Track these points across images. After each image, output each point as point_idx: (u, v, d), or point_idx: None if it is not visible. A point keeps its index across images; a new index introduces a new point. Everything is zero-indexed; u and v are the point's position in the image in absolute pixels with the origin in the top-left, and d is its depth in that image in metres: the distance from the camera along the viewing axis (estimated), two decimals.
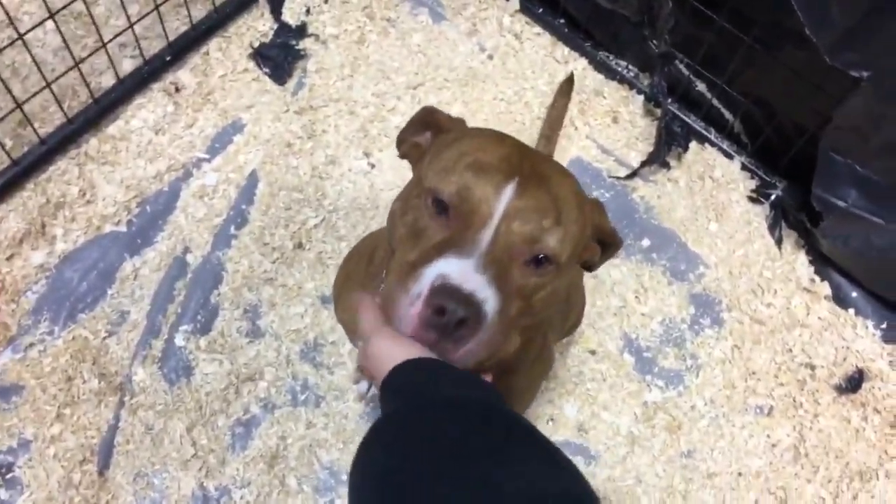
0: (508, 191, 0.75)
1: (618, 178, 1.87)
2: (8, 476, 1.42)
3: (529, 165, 0.80)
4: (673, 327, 1.70)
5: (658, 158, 1.86)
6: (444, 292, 0.69)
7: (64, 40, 1.63)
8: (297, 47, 1.97)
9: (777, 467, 1.59)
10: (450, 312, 0.69)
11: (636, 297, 1.72)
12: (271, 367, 1.55)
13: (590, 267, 0.94)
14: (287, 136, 1.84)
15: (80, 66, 1.68)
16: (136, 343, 1.54)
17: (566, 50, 2.05)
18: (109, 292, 1.59)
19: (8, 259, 1.60)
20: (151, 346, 1.54)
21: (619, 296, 1.72)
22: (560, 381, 1.61)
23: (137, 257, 1.65)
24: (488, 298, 0.71)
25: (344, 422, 1.53)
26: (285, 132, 1.85)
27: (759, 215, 1.86)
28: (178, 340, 1.55)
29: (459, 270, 0.70)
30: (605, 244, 0.92)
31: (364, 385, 1.54)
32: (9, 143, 1.67)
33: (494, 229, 0.74)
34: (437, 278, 0.70)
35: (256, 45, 1.96)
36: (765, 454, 1.60)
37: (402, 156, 0.95)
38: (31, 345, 1.51)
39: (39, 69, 1.61)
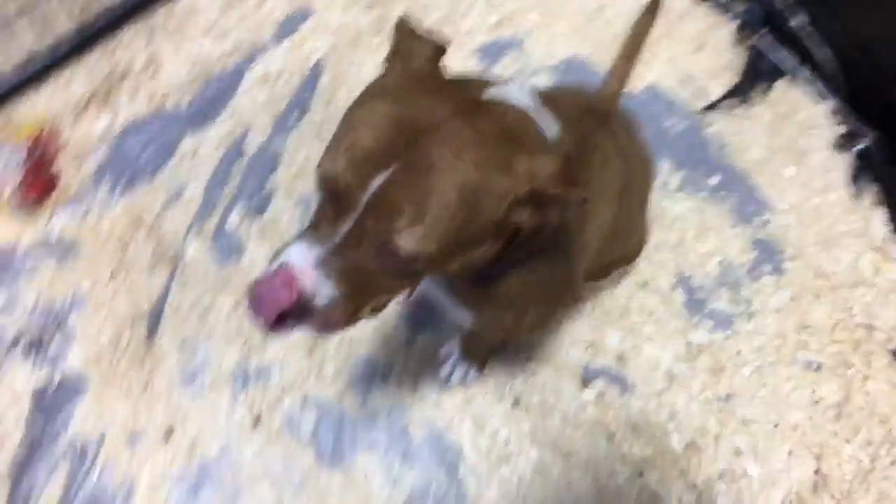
0: (375, 183, 0.72)
1: (695, 109, 1.77)
2: (62, 328, 1.48)
3: (422, 149, 0.73)
4: (730, 270, 1.64)
5: (741, 93, 1.76)
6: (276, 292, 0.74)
7: None
8: None
9: (816, 423, 1.55)
10: (262, 315, 0.74)
11: (696, 234, 1.66)
12: None
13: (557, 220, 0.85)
14: (355, 30, 1.79)
15: None
16: (190, 218, 1.56)
17: None
18: (168, 166, 1.60)
19: (74, 122, 1.62)
20: (205, 223, 1.56)
21: (678, 231, 1.65)
22: (605, 309, 1.58)
23: (198, 135, 1.65)
24: (322, 294, 0.75)
25: (383, 322, 1.54)
26: (354, 25, 1.79)
27: (840, 165, 1.75)
28: (232, 221, 1.56)
29: (300, 262, 0.75)
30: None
31: None
32: (79, 6, 1.66)
33: (354, 221, 0.74)
34: (281, 267, 0.75)
35: None
36: (806, 409, 1.56)
37: None
38: (91, 208, 1.55)
39: None
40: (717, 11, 1.87)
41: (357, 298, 0.79)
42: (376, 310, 0.85)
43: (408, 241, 0.73)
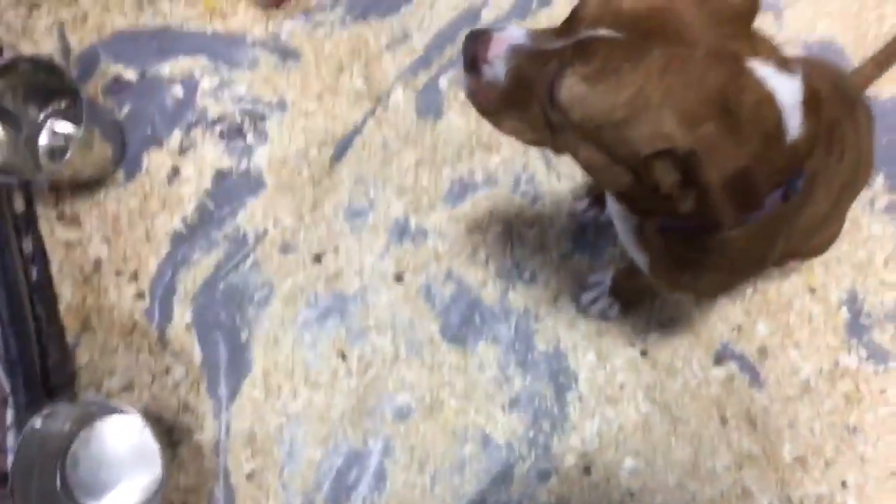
0: (600, 32, 0.74)
1: None
2: (260, 126, 1.55)
3: (651, 45, 0.72)
4: None
5: None
6: (479, 39, 0.82)
7: None
8: None
9: None
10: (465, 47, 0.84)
11: (886, 262, 1.57)
12: (509, 146, 1.56)
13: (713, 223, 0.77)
14: None
15: None
16: (405, 67, 1.58)
17: None
18: (404, 9, 1.62)
19: None
20: (417, 76, 1.58)
21: (868, 251, 1.57)
22: (766, 299, 1.54)
23: None
24: (493, 67, 0.81)
25: (548, 228, 1.54)
26: None
27: None
28: (442, 83, 1.58)
29: (506, 35, 0.81)
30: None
31: (582, 204, 1.53)
32: None
33: (563, 45, 0.77)
34: (497, 29, 0.82)
35: None
36: None
37: None
38: (322, 24, 1.59)
39: None
40: None
41: (506, 103, 0.84)
42: (514, 135, 0.90)
43: (569, 89, 0.76)
